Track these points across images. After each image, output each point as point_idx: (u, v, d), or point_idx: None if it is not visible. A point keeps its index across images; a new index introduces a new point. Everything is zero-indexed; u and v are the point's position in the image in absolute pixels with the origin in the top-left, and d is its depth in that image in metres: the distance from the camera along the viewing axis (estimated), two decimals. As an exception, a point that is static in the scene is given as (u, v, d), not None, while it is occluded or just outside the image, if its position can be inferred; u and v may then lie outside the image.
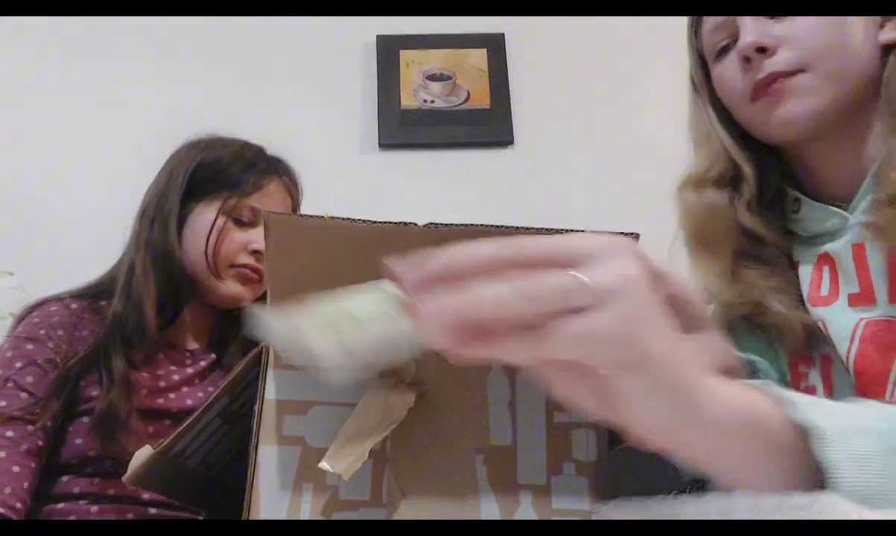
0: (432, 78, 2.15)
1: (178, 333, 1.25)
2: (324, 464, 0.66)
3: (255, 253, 1.21)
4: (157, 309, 1.17)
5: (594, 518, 0.67)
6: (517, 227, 0.68)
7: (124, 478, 0.79)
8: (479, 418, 0.75)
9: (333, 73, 2.14)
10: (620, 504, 0.65)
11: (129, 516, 1.08)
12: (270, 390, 0.73)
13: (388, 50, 2.16)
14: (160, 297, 1.18)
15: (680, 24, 2.21)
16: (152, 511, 1.09)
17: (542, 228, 0.68)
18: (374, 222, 0.67)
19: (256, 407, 0.72)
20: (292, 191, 1.30)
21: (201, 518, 1.11)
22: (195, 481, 0.88)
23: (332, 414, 0.72)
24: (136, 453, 0.78)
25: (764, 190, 0.93)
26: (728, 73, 0.92)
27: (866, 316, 0.82)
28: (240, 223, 1.22)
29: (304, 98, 2.10)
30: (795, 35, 0.86)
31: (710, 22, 0.95)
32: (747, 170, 0.92)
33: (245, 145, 1.29)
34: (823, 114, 0.86)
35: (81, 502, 1.08)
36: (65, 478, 1.09)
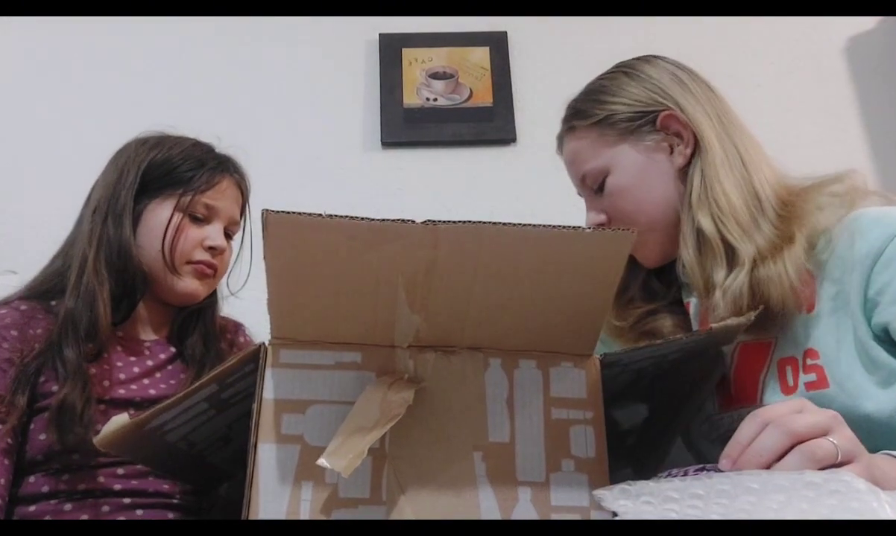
0: (435, 76, 2.15)
1: (133, 328, 1.24)
2: (323, 462, 0.66)
3: (211, 249, 1.22)
4: (111, 305, 1.15)
5: (598, 503, 0.67)
6: (514, 225, 0.68)
7: (95, 440, 0.79)
8: (478, 415, 0.75)
9: (336, 71, 2.14)
10: (625, 489, 0.65)
11: (105, 509, 1.07)
12: (269, 389, 0.73)
13: (391, 48, 2.16)
14: (114, 294, 1.17)
15: (681, 23, 2.20)
16: (126, 501, 1.08)
17: (544, 226, 0.68)
18: (373, 220, 0.67)
19: (255, 406, 0.72)
20: (242, 186, 1.30)
21: (176, 499, 1.11)
22: (173, 454, 0.89)
23: (331, 412, 0.73)
24: (112, 419, 0.78)
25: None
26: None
27: (742, 338, 0.98)
28: (195, 220, 1.22)
29: (307, 96, 2.10)
30: (612, 207, 1.06)
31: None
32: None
33: (195, 144, 1.28)
34: (662, 249, 1.06)
35: (53, 501, 1.06)
36: (32, 478, 1.07)
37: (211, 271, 1.23)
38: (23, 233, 1.84)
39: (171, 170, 1.23)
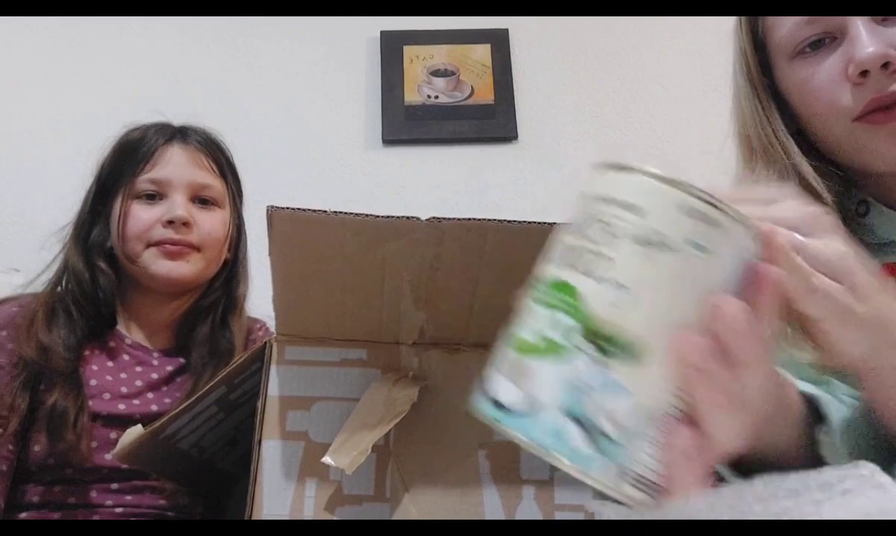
0: (436, 73, 2.14)
1: (130, 326, 1.20)
2: (327, 459, 0.66)
3: (171, 223, 1.15)
4: (50, 310, 1.13)
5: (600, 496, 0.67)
6: (520, 222, 0.68)
7: (113, 454, 0.79)
8: (482, 413, 0.74)
9: (337, 69, 2.14)
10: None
11: (95, 517, 1.05)
12: (273, 385, 0.73)
13: (392, 45, 2.16)
14: (77, 297, 1.15)
15: (682, 23, 2.20)
16: (118, 510, 1.06)
17: (545, 223, 0.68)
18: (378, 216, 0.67)
19: (259, 403, 0.72)
20: (207, 149, 1.23)
21: (171, 514, 1.08)
22: (186, 462, 0.89)
23: (336, 409, 0.73)
24: (127, 431, 0.78)
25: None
26: (822, 78, 0.76)
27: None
28: (149, 200, 1.17)
29: (309, 94, 2.10)
30: None
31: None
32: (826, 197, 0.76)
33: (141, 126, 1.24)
34: None
35: (43, 510, 1.04)
36: (25, 487, 1.05)
37: (180, 248, 1.15)
38: (28, 231, 1.83)
39: (119, 161, 1.20)
